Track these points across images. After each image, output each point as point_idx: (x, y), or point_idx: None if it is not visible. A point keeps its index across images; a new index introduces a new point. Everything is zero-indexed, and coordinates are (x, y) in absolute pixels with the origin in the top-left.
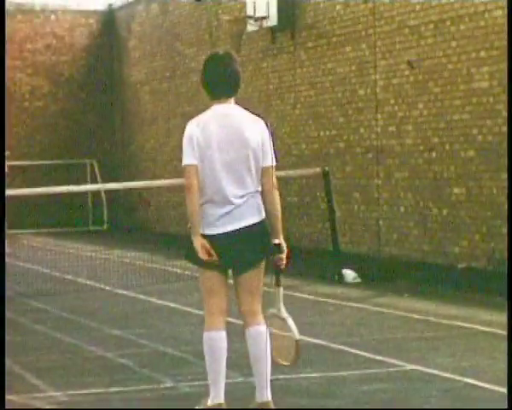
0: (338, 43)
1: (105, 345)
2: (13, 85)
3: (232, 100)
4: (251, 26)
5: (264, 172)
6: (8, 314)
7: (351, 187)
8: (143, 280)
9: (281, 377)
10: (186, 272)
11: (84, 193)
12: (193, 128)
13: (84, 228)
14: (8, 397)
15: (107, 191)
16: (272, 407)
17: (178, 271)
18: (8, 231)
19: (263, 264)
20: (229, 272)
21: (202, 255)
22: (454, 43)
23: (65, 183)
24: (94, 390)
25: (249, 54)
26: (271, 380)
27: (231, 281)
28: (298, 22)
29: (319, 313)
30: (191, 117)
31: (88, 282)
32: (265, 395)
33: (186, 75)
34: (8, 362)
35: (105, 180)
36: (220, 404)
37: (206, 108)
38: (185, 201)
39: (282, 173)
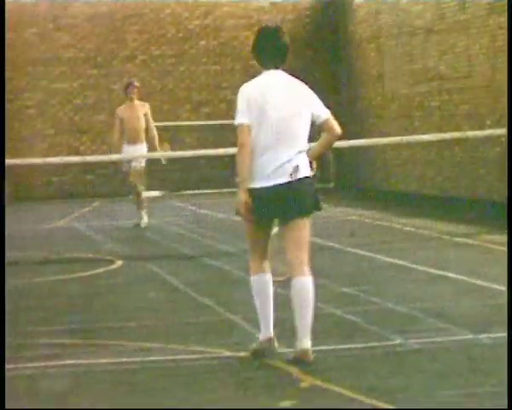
0: None
1: (334, 302)
2: (239, 44)
3: (280, 69)
4: None
5: (324, 124)
6: (228, 268)
7: None
8: (371, 238)
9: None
10: (412, 230)
11: None
12: (249, 89)
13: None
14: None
15: (334, 148)
16: (311, 355)
17: (406, 228)
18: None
19: (309, 218)
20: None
21: (241, 210)
22: None
23: None
24: (323, 347)
25: (475, 11)
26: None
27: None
28: None
29: None
30: (419, 75)
31: (317, 240)
32: (306, 343)
33: (412, 32)
34: (226, 314)
35: None
36: (271, 338)
37: (433, 66)
38: (237, 157)
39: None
